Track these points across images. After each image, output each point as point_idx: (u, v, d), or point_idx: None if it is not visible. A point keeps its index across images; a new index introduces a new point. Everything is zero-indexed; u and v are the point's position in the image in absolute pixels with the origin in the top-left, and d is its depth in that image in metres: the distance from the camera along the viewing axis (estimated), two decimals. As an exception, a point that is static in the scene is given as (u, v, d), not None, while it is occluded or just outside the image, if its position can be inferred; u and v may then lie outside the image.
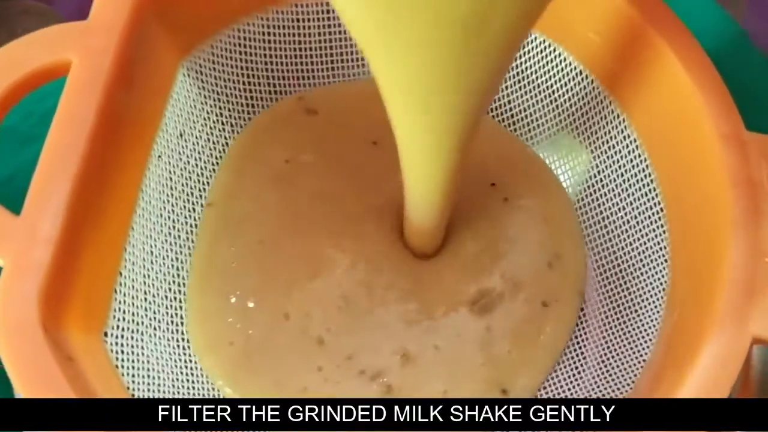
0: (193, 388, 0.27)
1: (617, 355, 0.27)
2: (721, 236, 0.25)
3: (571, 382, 0.28)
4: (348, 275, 0.29)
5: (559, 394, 0.28)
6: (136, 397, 0.25)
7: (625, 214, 0.30)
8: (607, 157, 0.30)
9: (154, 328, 0.27)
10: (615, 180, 0.30)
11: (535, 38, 0.31)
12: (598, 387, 0.27)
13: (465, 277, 0.29)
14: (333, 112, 0.32)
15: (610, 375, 0.27)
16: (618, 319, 0.28)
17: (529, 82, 0.32)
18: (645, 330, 0.27)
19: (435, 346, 0.28)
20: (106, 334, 0.25)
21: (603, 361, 0.27)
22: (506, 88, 0.32)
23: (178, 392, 0.26)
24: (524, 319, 0.29)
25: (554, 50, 0.31)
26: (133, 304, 0.27)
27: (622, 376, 0.27)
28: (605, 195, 0.30)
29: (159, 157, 0.29)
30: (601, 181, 0.31)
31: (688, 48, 0.27)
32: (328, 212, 0.30)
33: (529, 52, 0.32)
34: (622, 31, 0.28)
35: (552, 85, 0.32)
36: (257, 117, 0.32)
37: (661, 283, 0.27)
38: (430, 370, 0.28)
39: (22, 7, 0.40)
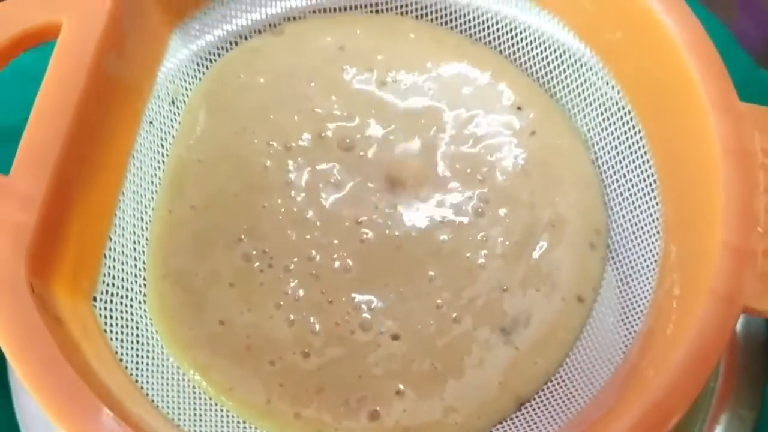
0: (183, 354, 0.27)
1: (609, 326, 0.27)
2: (714, 207, 0.24)
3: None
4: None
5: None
6: (124, 362, 0.25)
7: (619, 186, 0.29)
8: (602, 129, 0.30)
9: (144, 295, 0.27)
10: (609, 152, 0.30)
11: (530, 7, 0.31)
12: (589, 359, 0.27)
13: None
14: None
15: (603, 347, 0.27)
16: (613, 290, 0.28)
17: (525, 53, 0.32)
18: (637, 301, 0.27)
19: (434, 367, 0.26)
20: (95, 299, 0.25)
21: (597, 332, 0.27)
22: (502, 53, 0.32)
23: (167, 359, 0.26)
24: (556, 323, 0.27)
25: (549, 19, 0.31)
26: (122, 269, 0.26)
27: (614, 346, 0.27)
28: (600, 167, 0.30)
29: (150, 123, 0.28)
30: (596, 153, 0.30)
31: (683, 18, 0.27)
32: None
33: (525, 21, 0.31)
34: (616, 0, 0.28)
35: (547, 57, 0.31)
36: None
37: (654, 255, 0.27)
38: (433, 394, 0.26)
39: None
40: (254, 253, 0.27)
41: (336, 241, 0.28)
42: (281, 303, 0.27)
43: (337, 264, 0.27)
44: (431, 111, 0.30)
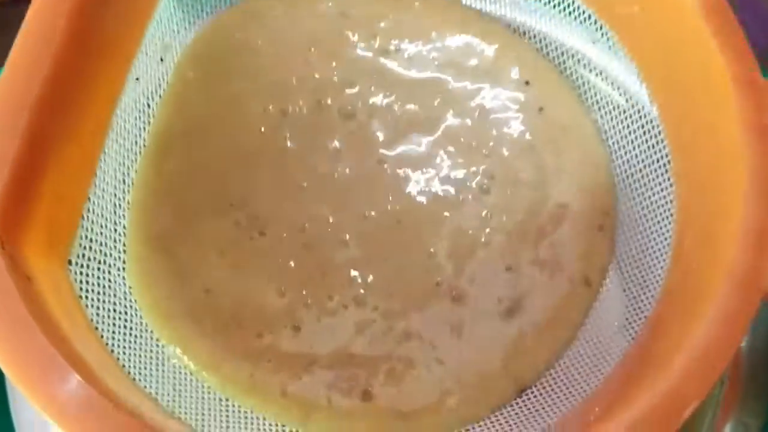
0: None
1: (617, 310, 0.26)
2: (733, 187, 0.23)
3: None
4: None
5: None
6: (99, 331, 0.23)
7: (630, 166, 0.28)
8: (613, 108, 0.29)
9: (123, 261, 0.25)
10: (621, 131, 0.28)
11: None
12: (600, 342, 0.25)
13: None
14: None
15: (610, 331, 0.25)
16: (621, 274, 0.27)
17: (533, 25, 0.30)
18: (647, 284, 0.26)
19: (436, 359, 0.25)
20: (70, 262, 0.23)
21: (603, 317, 0.26)
22: (510, 25, 0.31)
23: (146, 330, 0.24)
24: (560, 306, 0.26)
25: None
26: (101, 233, 0.25)
27: (624, 331, 0.25)
28: (610, 147, 0.29)
29: (137, 79, 0.27)
30: (606, 132, 0.29)
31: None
32: None
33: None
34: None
35: (557, 31, 0.30)
36: None
37: (666, 237, 0.26)
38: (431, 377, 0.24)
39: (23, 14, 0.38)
40: (245, 220, 0.26)
41: (332, 212, 0.26)
42: (272, 273, 0.25)
43: (332, 235, 0.26)
44: (435, 81, 0.29)
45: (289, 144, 0.27)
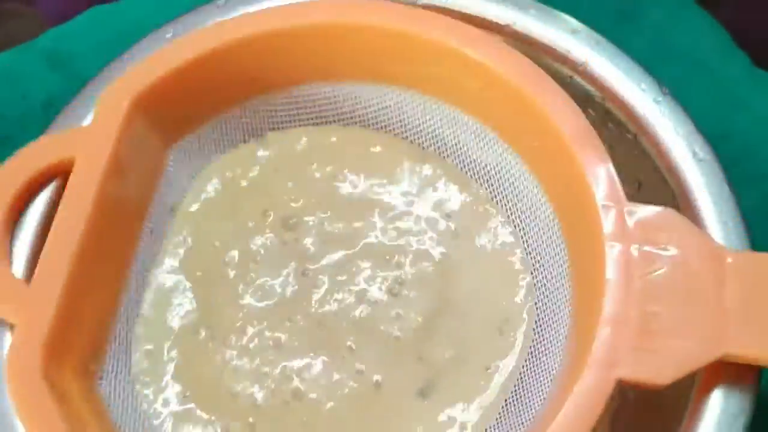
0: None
1: (525, 399, 0.32)
2: (598, 297, 0.29)
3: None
4: None
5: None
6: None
7: (543, 270, 0.34)
8: (527, 224, 0.35)
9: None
10: (533, 242, 0.35)
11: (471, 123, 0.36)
12: (511, 420, 0.32)
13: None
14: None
15: (520, 409, 0.32)
16: (530, 362, 0.33)
17: (465, 158, 0.37)
18: (549, 376, 0.31)
19: None
20: (101, 378, 0.32)
21: (510, 405, 0.32)
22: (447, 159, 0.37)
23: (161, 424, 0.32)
24: (470, 388, 0.32)
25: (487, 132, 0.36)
26: (125, 352, 0.33)
27: (528, 410, 0.31)
28: (530, 259, 0.35)
29: (150, 232, 0.35)
30: (525, 242, 0.35)
31: (575, 123, 0.31)
32: None
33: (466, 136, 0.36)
34: (522, 110, 0.33)
35: (488, 165, 0.36)
36: None
37: (561, 335, 0.32)
38: None
39: (3, 9, 0.45)
40: (203, 332, 0.33)
41: (266, 317, 0.33)
42: (223, 375, 0.32)
43: (268, 337, 0.33)
44: (367, 204, 0.35)
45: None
